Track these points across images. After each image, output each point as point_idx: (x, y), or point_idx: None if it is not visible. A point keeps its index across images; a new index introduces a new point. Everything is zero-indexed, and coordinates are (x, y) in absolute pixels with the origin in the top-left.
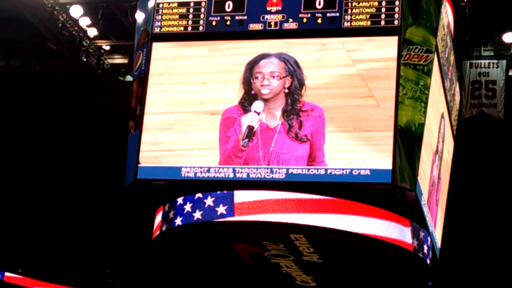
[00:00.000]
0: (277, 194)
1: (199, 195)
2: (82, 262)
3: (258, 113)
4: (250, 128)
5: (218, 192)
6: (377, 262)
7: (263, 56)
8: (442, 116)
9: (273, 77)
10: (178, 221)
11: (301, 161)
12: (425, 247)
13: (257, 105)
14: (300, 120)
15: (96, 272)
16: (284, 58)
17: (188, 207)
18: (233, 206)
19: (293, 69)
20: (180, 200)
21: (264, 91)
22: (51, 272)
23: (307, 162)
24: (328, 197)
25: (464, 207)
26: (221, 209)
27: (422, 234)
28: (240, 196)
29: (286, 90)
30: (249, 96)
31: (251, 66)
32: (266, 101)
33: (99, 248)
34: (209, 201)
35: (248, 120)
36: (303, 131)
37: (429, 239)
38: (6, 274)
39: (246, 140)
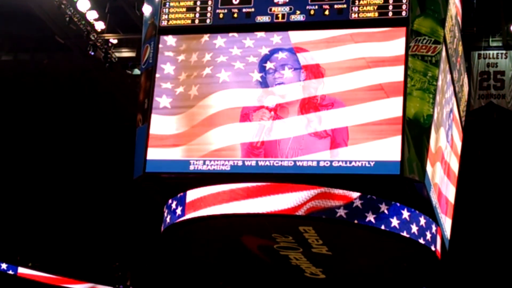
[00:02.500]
0: (224, 186)
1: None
2: (92, 256)
3: (270, 109)
4: (261, 126)
5: (180, 194)
6: (386, 253)
7: (275, 51)
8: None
9: (285, 69)
10: (168, 219)
11: (321, 156)
12: (428, 234)
13: (269, 100)
14: (319, 115)
15: (106, 265)
16: (294, 52)
17: (174, 207)
18: (185, 206)
19: (306, 61)
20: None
21: (277, 84)
22: (61, 265)
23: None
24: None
25: (473, 198)
26: (178, 211)
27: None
28: (192, 194)
29: (302, 84)
30: (264, 91)
31: (264, 60)
32: (281, 95)
33: (108, 242)
34: (173, 204)
35: (259, 116)
36: (323, 126)
37: (433, 226)
38: (20, 269)
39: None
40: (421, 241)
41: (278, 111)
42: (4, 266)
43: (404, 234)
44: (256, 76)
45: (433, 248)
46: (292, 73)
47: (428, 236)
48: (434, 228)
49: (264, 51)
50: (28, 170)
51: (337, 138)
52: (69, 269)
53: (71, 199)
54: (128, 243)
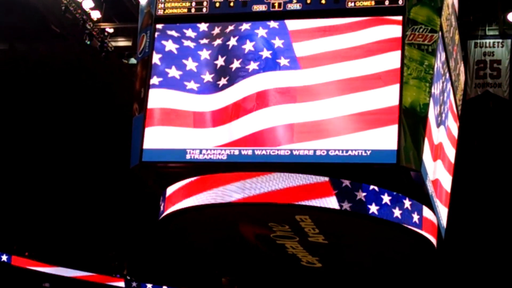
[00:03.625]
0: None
1: None
2: (88, 245)
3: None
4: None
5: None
6: (383, 242)
7: (272, 37)
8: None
9: (281, 58)
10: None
11: (318, 145)
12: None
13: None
14: (317, 104)
15: (102, 255)
16: (290, 41)
17: (161, 202)
18: (165, 201)
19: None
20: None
21: (275, 72)
22: (57, 255)
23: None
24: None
25: (470, 186)
26: (162, 206)
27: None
28: (169, 189)
29: (299, 72)
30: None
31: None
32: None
33: (105, 231)
34: (160, 199)
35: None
36: (320, 114)
37: (425, 208)
38: (14, 257)
39: None
40: (407, 224)
41: (274, 99)
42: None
43: (387, 218)
44: (253, 66)
45: (421, 231)
46: (288, 62)
47: (416, 218)
48: (425, 210)
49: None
50: (25, 160)
51: (333, 126)
52: (66, 258)
53: (68, 189)
54: (125, 232)
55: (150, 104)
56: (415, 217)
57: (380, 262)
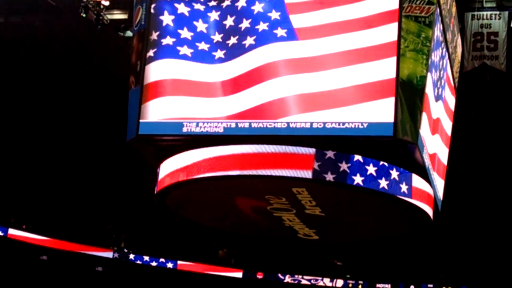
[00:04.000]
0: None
1: None
2: (85, 218)
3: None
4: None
5: None
6: (379, 214)
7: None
8: None
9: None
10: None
11: (314, 117)
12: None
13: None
14: (313, 76)
15: (99, 228)
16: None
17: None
18: (162, 174)
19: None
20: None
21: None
22: (54, 228)
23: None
24: None
25: (467, 159)
26: (158, 179)
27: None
28: (166, 163)
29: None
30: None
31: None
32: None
33: (102, 204)
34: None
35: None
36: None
37: (415, 178)
38: (11, 230)
39: None
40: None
41: (273, 71)
42: None
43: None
44: (250, 40)
45: (410, 200)
46: (285, 33)
47: (404, 188)
48: (412, 178)
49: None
50: (22, 133)
51: (330, 99)
52: (63, 231)
53: (65, 162)
54: (122, 205)
55: (152, 77)
56: (403, 187)
57: (377, 235)
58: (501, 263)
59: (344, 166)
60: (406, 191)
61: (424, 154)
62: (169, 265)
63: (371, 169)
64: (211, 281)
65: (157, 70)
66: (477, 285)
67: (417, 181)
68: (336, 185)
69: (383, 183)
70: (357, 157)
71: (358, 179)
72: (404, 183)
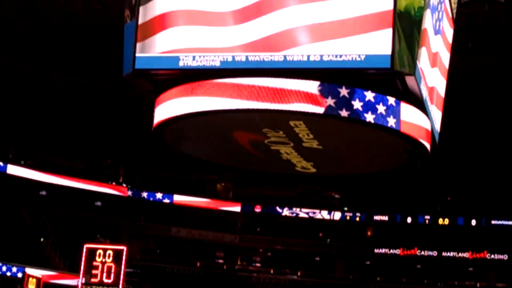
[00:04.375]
0: None
1: None
2: (84, 153)
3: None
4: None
5: None
6: (375, 147)
7: None
8: None
9: None
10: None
11: (311, 50)
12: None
13: None
14: (311, 7)
15: (98, 162)
16: None
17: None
18: (159, 108)
19: None
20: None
21: None
22: (53, 163)
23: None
24: None
25: (463, 91)
26: (155, 114)
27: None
28: (163, 96)
29: None
30: None
31: None
32: None
33: (100, 139)
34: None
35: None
36: (314, 18)
37: (405, 112)
38: (10, 165)
39: None
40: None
41: (271, 4)
42: None
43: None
44: None
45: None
46: None
47: (391, 122)
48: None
49: None
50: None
51: (327, 30)
52: (62, 166)
53: (63, 95)
54: (121, 140)
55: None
56: (391, 121)
57: (374, 168)
58: (498, 194)
59: (330, 101)
60: (394, 125)
61: (422, 86)
62: (166, 200)
63: (357, 104)
64: (210, 215)
65: (160, 3)
66: (473, 216)
67: (407, 115)
68: (331, 117)
69: (369, 117)
70: (343, 93)
71: (344, 113)
72: (391, 117)
